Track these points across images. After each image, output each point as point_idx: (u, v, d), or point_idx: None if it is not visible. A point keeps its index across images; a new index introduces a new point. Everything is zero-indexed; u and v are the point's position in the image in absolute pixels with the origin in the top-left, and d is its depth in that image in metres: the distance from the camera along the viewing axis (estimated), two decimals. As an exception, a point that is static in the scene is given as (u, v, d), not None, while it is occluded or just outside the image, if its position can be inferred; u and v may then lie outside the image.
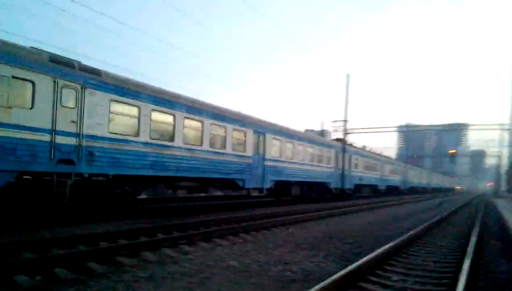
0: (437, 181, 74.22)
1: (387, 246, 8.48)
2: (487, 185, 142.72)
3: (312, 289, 5.00)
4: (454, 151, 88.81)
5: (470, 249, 8.50)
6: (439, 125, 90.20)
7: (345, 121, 50.25)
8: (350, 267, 6.37)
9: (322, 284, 5.29)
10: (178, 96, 14.12)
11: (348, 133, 53.23)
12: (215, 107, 16.00)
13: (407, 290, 6.04)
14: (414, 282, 6.48)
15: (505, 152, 62.68)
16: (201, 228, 10.73)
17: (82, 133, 10.53)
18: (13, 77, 9.14)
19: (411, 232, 11.09)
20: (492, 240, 11.50)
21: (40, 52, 10.03)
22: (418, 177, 56.87)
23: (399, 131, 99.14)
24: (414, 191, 53.11)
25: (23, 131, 9.22)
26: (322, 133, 53.89)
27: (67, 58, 10.73)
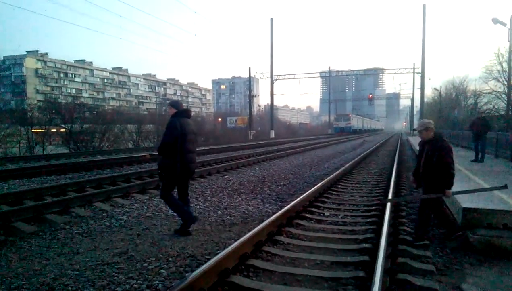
0: (367, 124, 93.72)
1: (317, 186, 8.99)
2: (402, 125, 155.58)
3: (254, 230, 5.17)
4: (371, 95, 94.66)
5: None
6: (358, 71, 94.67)
7: (271, 68, 50.62)
8: (286, 208, 6.66)
9: (261, 225, 5.49)
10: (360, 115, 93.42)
11: (276, 80, 53.91)
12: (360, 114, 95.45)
13: (338, 223, 6.51)
14: (344, 216, 7.01)
15: (417, 94, 67.95)
16: (133, 181, 10.41)
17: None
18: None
19: (338, 171, 11.84)
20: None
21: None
22: (358, 122, 76.69)
23: (321, 76, 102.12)
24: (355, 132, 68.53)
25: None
26: (250, 81, 53.67)
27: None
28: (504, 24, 22.67)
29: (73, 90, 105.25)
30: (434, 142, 5.23)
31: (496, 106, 34.98)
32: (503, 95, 31.67)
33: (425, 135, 5.35)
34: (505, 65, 29.45)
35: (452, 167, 5.10)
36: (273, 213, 6.65)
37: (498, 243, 4.79)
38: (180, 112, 5.55)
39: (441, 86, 53.43)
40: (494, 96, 34.84)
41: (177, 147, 5.31)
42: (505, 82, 29.29)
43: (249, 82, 53.54)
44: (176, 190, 5.75)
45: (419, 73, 46.28)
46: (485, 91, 36.80)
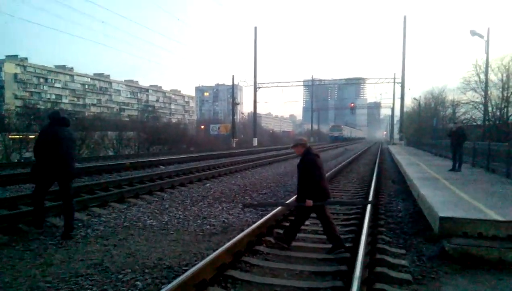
0: (354, 133, 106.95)
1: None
2: (383, 133, 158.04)
3: (233, 240, 5.12)
4: (353, 104, 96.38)
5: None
6: (340, 80, 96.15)
7: (255, 76, 50.85)
8: (266, 217, 6.64)
9: (241, 234, 5.46)
10: (349, 125, 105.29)
11: (259, 88, 54.17)
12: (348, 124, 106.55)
13: (318, 232, 6.51)
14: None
15: (397, 103, 69.24)
16: (111, 189, 10.20)
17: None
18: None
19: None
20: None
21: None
22: (348, 132, 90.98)
23: (304, 85, 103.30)
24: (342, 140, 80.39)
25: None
26: (233, 89, 53.66)
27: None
28: (481, 36, 23.34)
29: (53, 96, 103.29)
30: (303, 157, 5.64)
31: (473, 116, 35.80)
32: (480, 106, 32.48)
33: (298, 150, 5.76)
34: (482, 76, 30.24)
35: (314, 179, 5.41)
36: (254, 222, 6.62)
37: (474, 252, 4.86)
38: (54, 121, 6.14)
39: (420, 96, 54.44)
40: (472, 107, 35.67)
41: (47, 152, 5.92)
42: (482, 93, 30.05)
43: (233, 89, 53.59)
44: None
45: (400, 83, 47.23)
46: (463, 101, 37.63)
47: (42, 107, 49.14)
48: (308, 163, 5.53)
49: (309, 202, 5.40)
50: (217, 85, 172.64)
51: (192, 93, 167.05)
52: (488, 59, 24.83)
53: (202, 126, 73.40)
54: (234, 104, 53.76)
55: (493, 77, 31.22)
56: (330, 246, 5.53)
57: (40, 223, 6.30)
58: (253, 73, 50.12)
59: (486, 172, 12.57)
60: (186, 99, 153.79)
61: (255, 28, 47.87)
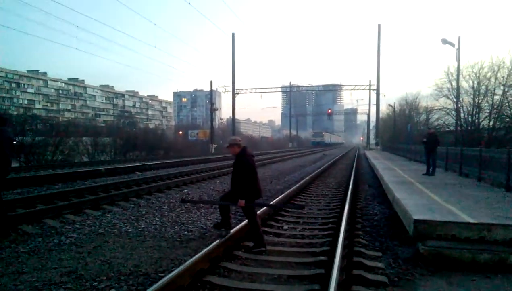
0: (333, 139, 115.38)
1: (276, 199, 9.03)
2: (360, 139, 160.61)
3: (211, 245, 5.08)
4: (330, 110, 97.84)
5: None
6: (318, 86, 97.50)
7: (233, 82, 50.88)
8: (245, 222, 6.61)
9: (219, 240, 5.42)
10: (329, 132, 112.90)
11: (237, 93, 54.22)
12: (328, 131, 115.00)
13: (296, 236, 6.55)
14: (302, 229, 7.06)
15: (373, 110, 70.51)
16: (86, 195, 9.98)
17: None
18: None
19: (298, 184, 11.98)
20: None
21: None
22: (328, 138, 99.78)
23: (283, 91, 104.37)
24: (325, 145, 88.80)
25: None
26: (212, 94, 53.48)
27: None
28: (452, 45, 24.05)
29: (26, 101, 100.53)
30: (238, 157, 5.71)
31: (446, 122, 36.69)
32: (453, 112, 33.35)
33: (233, 151, 5.80)
34: (454, 83, 31.05)
35: (245, 181, 5.52)
36: (232, 227, 6.58)
37: (447, 254, 4.98)
38: None
39: (395, 103, 55.61)
40: (445, 113, 36.59)
41: None
42: (455, 100, 30.89)
43: (211, 95, 53.38)
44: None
45: (375, 90, 48.14)
46: (436, 107, 38.53)
47: (15, 113, 47.64)
48: (243, 163, 5.57)
49: (241, 202, 5.47)
50: (195, 91, 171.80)
51: (170, 98, 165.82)
52: (459, 67, 25.60)
53: (180, 132, 72.71)
54: (213, 110, 53.54)
55: (465, 84, 32.18)
56: (309, 249, 5.56)
57: (6, 230, 6.18)
58: (231, 79, 50.14)
59: (458, 175, 12.93)
60: (163, 105, 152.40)
61: (233, 34, 47.98)
